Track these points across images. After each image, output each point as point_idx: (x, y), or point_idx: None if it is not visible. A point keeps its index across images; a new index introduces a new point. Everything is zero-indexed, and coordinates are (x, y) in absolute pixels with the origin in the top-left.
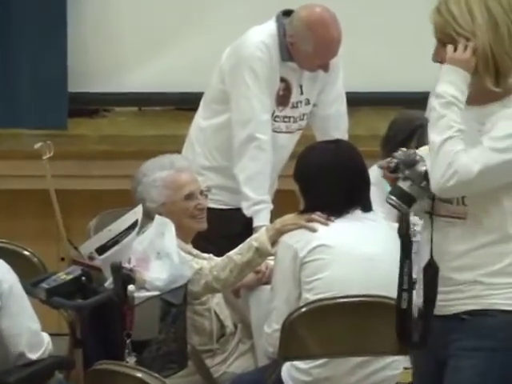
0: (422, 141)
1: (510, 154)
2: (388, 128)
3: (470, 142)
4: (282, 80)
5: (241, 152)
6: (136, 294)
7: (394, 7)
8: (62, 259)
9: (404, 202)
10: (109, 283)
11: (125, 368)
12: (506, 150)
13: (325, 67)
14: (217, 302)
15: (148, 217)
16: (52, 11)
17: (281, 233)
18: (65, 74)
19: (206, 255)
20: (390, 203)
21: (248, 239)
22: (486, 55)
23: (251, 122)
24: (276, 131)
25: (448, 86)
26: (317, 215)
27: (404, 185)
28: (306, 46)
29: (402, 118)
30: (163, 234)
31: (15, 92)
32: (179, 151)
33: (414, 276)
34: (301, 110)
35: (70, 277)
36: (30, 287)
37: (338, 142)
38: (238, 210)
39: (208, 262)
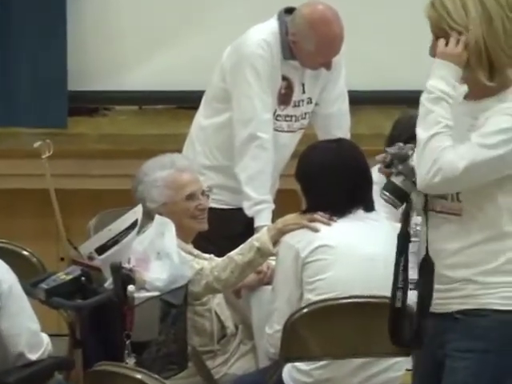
0: None
1: (499, 150)
2: (392, 127)
3: (459, 138)
4: (284, 78)
5: (242, 151)
6: (136, 295)
7: (396, 5)
8: (62, 259)
9: (397, 197)
10: (108, 283)
11: (124, 369)
12: (494, 146)
13: (327, 65)
14: (218, 302)
15: (148, 217)
16: (52, 11)
17: (282, 233)
18: (64, 73)
19: (206, 255)
20: (383, 198)
21: (249, 239)
22: (478, 49)
23: (253, 121)
24: (278, 130)
25: (438, 80)
26: (319, 215)
27: (397, 180)
28: (308, 44)
29: (406, 117)
30: (163, 234)
31: (15, 91)
32: (180, 150)
33: (413, 276)
34: (303, 109)
35: (70, 277)
36: (30, 287)
37: (340, 140)
38: (239, 210)
39: (209, 263)
